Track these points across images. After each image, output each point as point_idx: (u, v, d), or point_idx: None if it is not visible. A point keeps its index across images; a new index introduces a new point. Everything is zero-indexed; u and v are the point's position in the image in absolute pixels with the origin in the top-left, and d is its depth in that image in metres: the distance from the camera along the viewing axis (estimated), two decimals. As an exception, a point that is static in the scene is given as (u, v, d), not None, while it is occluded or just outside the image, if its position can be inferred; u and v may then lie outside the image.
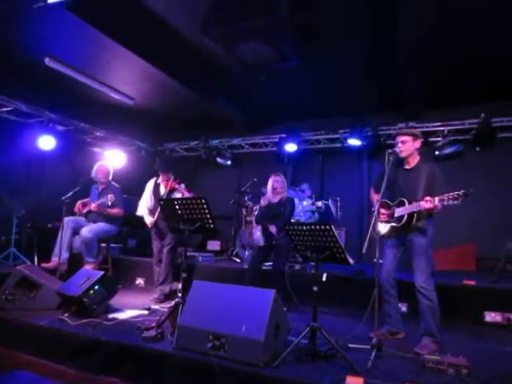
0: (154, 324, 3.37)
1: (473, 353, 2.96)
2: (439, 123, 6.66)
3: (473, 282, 4.37)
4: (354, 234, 7.08)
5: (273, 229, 4.53)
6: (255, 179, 6.81)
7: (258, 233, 4.77)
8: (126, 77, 5.98)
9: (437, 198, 3.05)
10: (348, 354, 2.79)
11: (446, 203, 3.01)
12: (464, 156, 6.49)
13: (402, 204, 3.36)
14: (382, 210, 3.52)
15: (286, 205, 4.68)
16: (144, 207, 5.12)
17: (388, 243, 3.57)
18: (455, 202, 2.94)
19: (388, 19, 4.18)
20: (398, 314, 3.53)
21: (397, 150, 3.42)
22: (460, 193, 2.91)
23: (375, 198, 3.66)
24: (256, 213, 5.13)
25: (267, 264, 4.91)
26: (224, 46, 4.58)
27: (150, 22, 4.48)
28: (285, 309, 3.55)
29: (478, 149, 6.37)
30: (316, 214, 6.60)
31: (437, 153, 6.63)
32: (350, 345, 3.14)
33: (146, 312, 4.15)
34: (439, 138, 6.68)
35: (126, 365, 2.97)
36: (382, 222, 3.52)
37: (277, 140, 7.63)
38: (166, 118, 7.82)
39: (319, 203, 6.62)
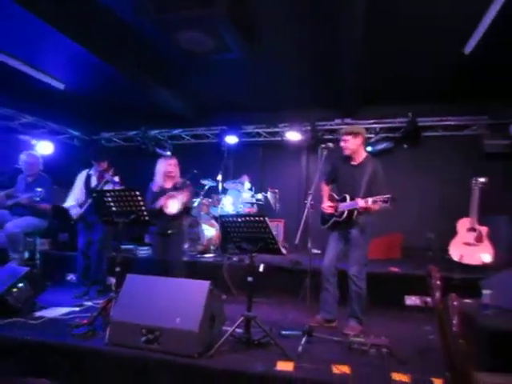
0: (85, 321, 3.25)
1: (395, 334, 3.24)
2: (373, 120, 7.03)
3: (397, 269, 4.72)
4: (293, 226, 7.26)
5: None
6: (195, 171, 6.73)
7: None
8: (55, 59, 5.62)
9: (370, 199, 3.25)
10: (281, 341, 2.91)
11: (378, 205, 3.23)
12: (394, 152, 6.94)
13: (344, 200, 3.55)
14: (329, 203, 3.68)
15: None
16: (72, 199, 4.79)
17: (332, 235, 3.74)
18: (386, 205, 3.17)
19: (326, 20, 4.32)
20: (335, 302, 3.67)
21: (330, 145, 3.59)
22: (386, 197, 3.14)
23: (325, 190, 3.85)
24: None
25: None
26: (162, 32, 4.42)
27: (83, 1, 4.23)
28: (224, 297, 3.50)
29: (405, 146, 6.87)
30: (255, 206, 6.70)
31: (370, 149, 6.99)
32: (282, 332, 3.27)
33: (77, 309, 3.99)
34: (372, 135, 7.07)
35: (55, 365, 2.85)
36: (328, 214, 3.67)
37: (218, 132, 7.61)
38: (102, 107, 7.45)
39: (259, 195, 6.72)
